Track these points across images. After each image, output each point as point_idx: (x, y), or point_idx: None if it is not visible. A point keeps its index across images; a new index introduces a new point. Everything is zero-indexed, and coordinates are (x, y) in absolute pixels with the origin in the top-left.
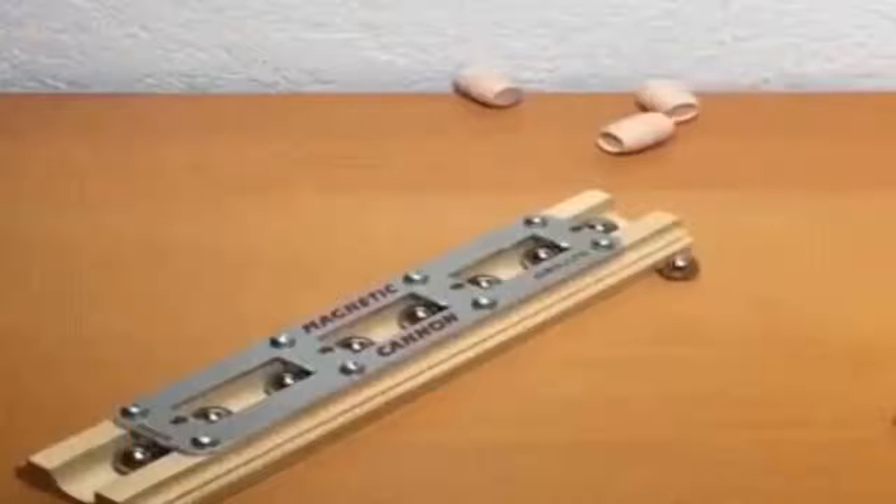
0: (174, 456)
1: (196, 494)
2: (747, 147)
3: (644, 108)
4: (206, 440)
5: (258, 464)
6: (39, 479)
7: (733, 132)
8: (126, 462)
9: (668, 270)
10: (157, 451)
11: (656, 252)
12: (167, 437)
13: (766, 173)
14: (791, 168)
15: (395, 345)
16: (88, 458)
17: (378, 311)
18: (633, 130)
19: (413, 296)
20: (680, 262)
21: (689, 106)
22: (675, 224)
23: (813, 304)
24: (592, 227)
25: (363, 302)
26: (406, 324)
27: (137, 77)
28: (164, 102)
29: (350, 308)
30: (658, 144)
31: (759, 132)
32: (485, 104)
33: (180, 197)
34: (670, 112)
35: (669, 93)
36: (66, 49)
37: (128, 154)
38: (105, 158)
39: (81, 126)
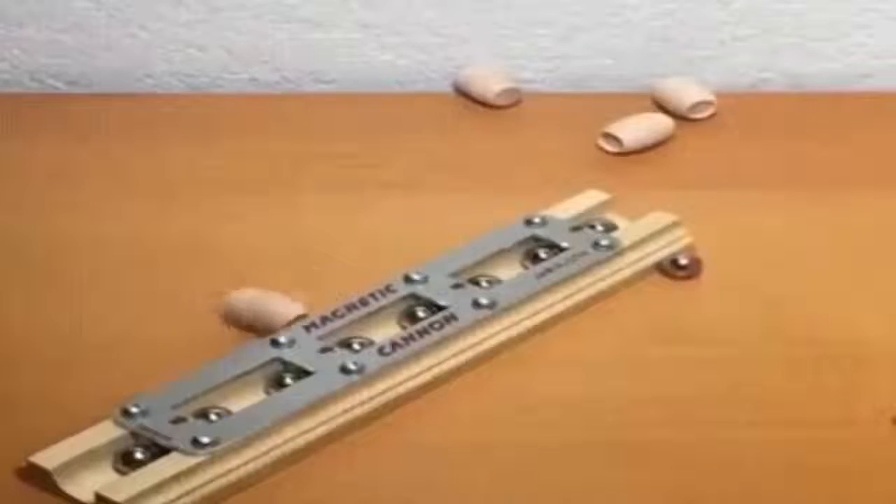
0: (174, 456)
1: (196, 494)
2: (747, 147)
3: (659, 105)
4: (206, 440)
5: (258, 464)
6: (39, 479)
7: (733, 132)
8: (126, 462)
9: (671, 269)
10: (157, 451)
11: (656, 252)
12: (167, 437)
13: (766, 173)
14: (791, 168)
15: (395, 345)
16: (88, 458)
17: (378, 311)
18: (634, 131)
19: (413, 296)
20: (683, 261)
21: (707, 103)
22: (675, 224)
23: (813, 304)
24: (592, 227)
25: (363, 302)
26: (406, 324)
27: (137, 77)
28: (164, 102)
29: (350, 308)
30: (658, 144)
31: (759, 132)
32: (485, 104)
33: (180, 197)
34: (689, 109)
35: (688, 90)
36: (66, 49)
37: (128, 154)
38: (105, 158)
39: (81, 126)
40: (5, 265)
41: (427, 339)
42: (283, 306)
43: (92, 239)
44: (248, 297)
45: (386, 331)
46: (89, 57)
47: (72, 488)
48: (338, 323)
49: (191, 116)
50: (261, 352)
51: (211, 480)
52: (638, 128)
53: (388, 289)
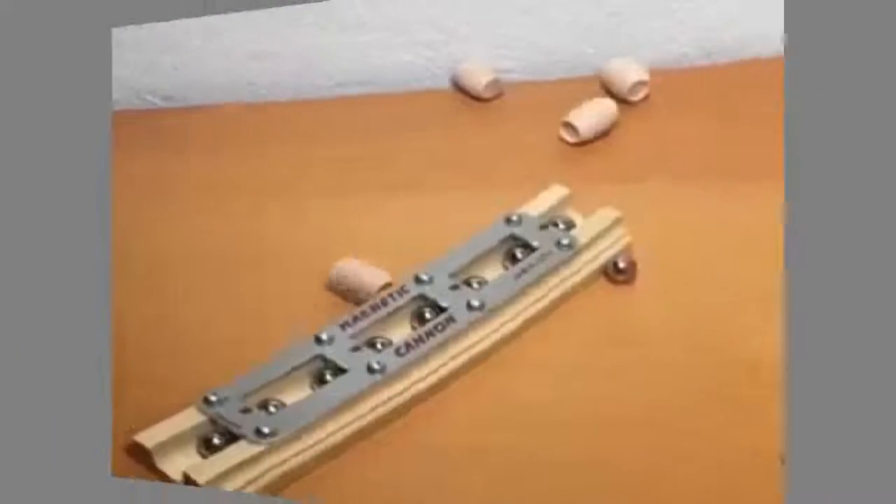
0: (242, 444)
1: (259, 483)
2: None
3: (606, 89)
4: (266, 430)
5: (305, 456)
6: (142, 456)
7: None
8: (206, 446)
9: (613, 273)
10: (231, 437)
11: (606, 251)
12: (237, 426)
13: (722, 160)
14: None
15: (408, 345)
16: (178, 441)
17: (395, 311)
18: (587, 118)
19: (422, 296)
20: (621, 264)
21: (643, 83)
22: (618, 221)
23: None
24: (556, 224)
25: (384, 302)
26: (416, 324)
27: None
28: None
29: (374, 308)
30: (609, 130)
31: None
32: (477, 98)
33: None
34: (629, 91)
35: (626, 71)
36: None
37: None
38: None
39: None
40: (140, 265)
41: (432, 342)
42: (371, 276)
43: (181, 243)
44: (345, 268)
45: (402, 331)
46: None
47: (166, 467)
48: (365, 322)
49: (196, 119)
50: (305, 348)
51: (270, 469)
52: (591, 115)
53: (403, 290)
